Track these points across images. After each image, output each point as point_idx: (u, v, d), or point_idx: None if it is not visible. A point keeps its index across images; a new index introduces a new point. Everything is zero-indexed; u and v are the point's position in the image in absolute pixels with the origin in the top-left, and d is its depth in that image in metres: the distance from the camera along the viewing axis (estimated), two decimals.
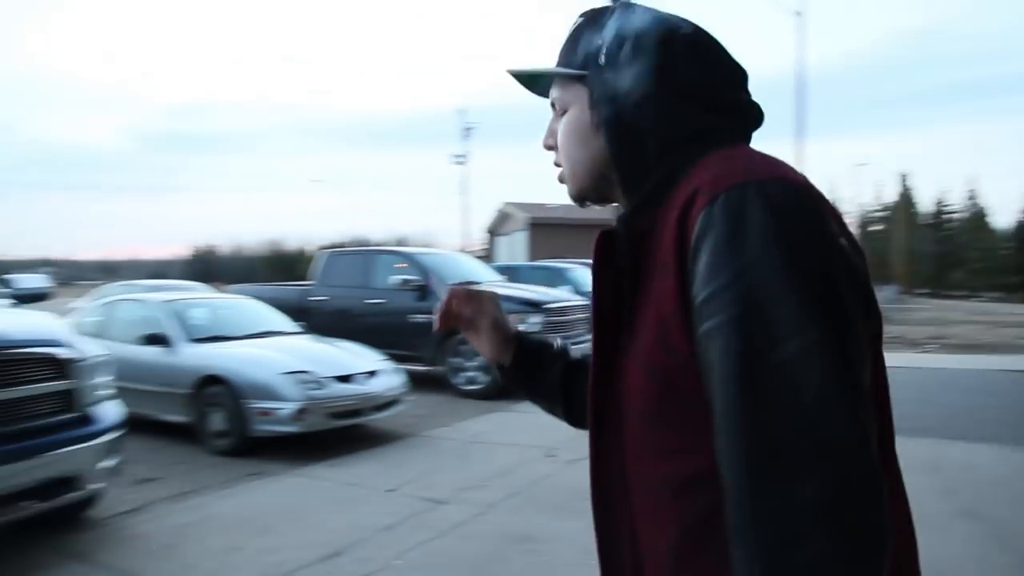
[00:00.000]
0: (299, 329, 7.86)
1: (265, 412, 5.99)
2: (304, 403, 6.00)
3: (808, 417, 0.63)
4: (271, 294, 9.73)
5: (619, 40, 0.83)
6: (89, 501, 4.53)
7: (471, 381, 8.65)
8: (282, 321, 7.87)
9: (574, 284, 11.44)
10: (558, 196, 1.71)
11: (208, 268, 79.60)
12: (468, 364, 8.61)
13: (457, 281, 7.73)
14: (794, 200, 0.70)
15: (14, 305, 4.58)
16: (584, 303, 9.06)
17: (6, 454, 3.56)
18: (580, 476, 0.98)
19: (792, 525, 0.62)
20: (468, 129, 37.72)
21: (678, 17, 0.86)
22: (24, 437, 3.69)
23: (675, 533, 0.75)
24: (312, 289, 10.08)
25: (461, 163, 38.09)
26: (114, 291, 12.66)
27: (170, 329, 6.76)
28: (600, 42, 0.85)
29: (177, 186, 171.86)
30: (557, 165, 0.96)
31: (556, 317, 8.78)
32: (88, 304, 9.42)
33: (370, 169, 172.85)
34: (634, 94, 0.82)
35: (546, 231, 29.87)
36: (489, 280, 10.02)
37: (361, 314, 9.44)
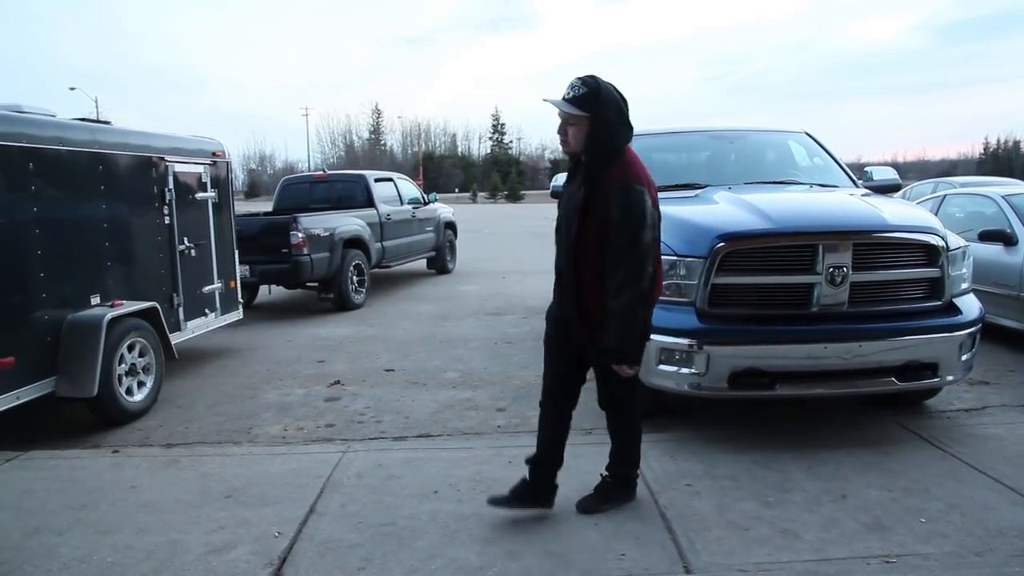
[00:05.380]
0: None
1: None
2: None
3: (642, 251, 2.97)
4: None
5: (606, 102, 2.97)
6: (935, 391, 4.59)
7: None
8: None
9: None
10: None
11: (1005, 165, 70.27)
12: None
13: None
14: (638, 191, 2.95)
15: (866, 195, 4.81)
16: None
17: (876, 331, 3.85)
18: None
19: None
20: None
21: (612, 86, 3.03)
22: (893, 317, 3.92)
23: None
24: None
25: None
26: (923, 191, 12.46)
27: (1014, 226, 6.16)
28: (597, 100, 2.96)
29: (970, 79, 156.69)
30: (566, 143, 3.07)
31: None
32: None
33: None
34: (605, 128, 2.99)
35: None
36: None
37: None
